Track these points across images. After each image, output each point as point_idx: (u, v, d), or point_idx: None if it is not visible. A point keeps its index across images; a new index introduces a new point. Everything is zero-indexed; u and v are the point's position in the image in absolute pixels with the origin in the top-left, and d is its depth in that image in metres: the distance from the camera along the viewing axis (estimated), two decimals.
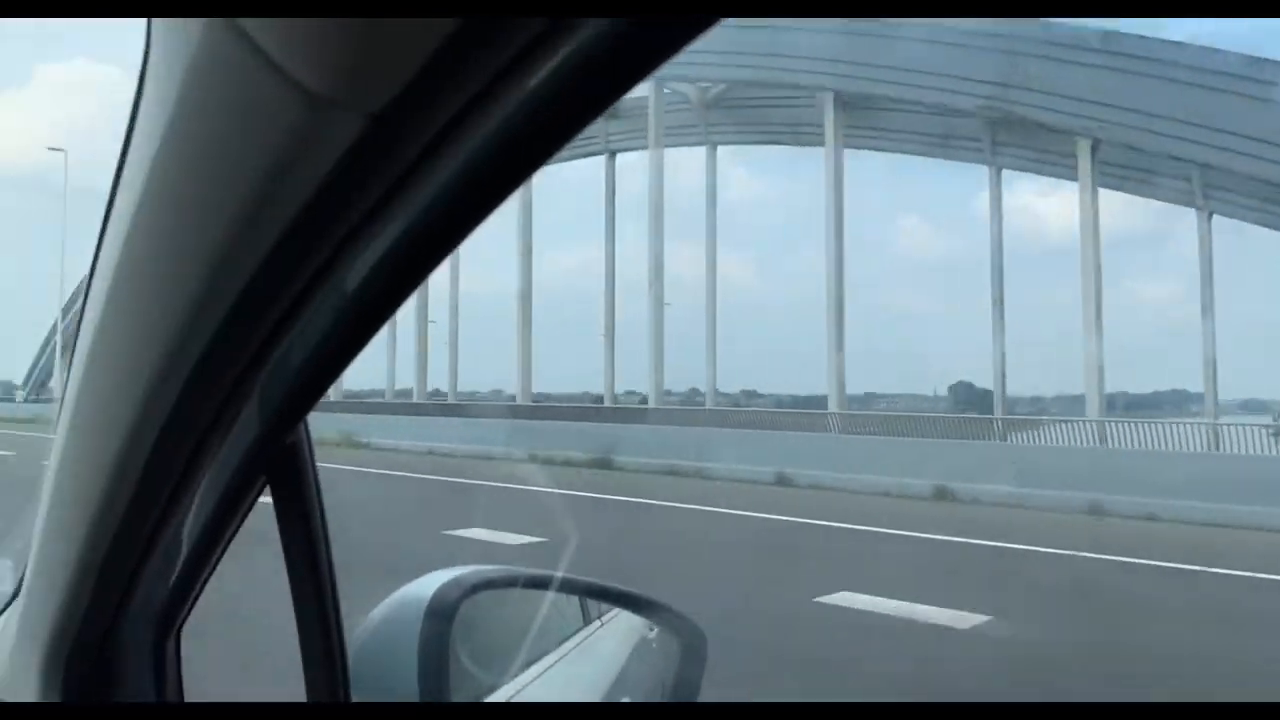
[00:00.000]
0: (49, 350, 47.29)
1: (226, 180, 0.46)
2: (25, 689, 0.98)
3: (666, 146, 30.65)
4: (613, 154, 33.39)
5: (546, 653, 1.26)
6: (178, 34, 0.43)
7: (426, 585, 0.98)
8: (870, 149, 29.01)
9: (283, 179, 0.44)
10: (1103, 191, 24.07)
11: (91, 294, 0.65)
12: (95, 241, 0.66)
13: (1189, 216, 25.57)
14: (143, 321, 0.59)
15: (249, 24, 0.38)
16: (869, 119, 27.57)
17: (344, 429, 20.96)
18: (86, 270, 0.67)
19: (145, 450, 0.68)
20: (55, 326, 45.62)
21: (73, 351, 0.75)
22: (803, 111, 28.65)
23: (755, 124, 31.16)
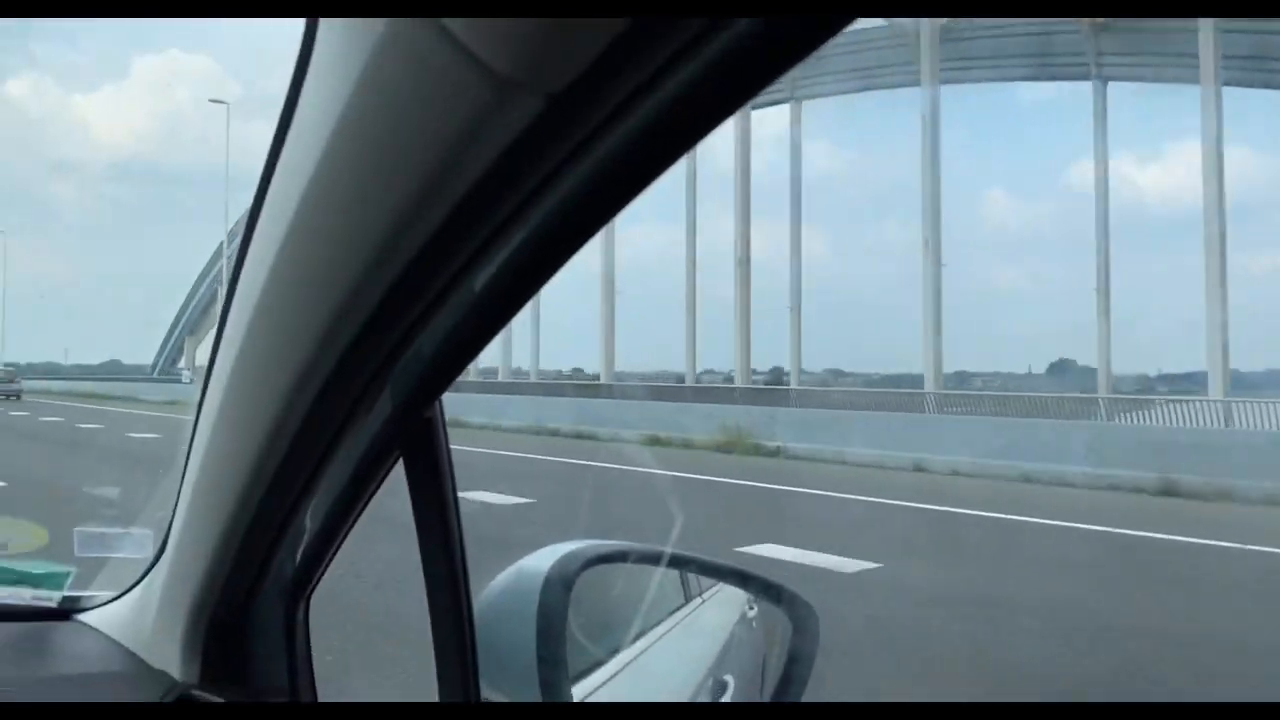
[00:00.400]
0: (178, 331, 48.96)
1: (401, 162, 0.48)
2: (169, 653, 1.04)
3: (870, 89, 26.95)
4: (798, 100, 28.90)
5: (650, 628, 1.29)
6: (356, 20, 0.45)
7: (544, 558, 1.01)
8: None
9: (458, 159, 0.47)
10: None
11: (244, 279, 0.69)
12: (245, 229, 0.70)
13: None
14: (300, 307, 0.63)
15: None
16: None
17: (723, 423, 15.20)
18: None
19: (293, 429, 0.72)
20: (183, 308, 47.12)
21: (219, 334, 0.79)
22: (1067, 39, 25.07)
23: (1002, 56, 26.47)
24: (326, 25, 0.49)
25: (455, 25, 0.40)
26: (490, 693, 0.92)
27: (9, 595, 1.16)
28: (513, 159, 0.46)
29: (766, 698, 1.25)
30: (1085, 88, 26.98)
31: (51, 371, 47.39)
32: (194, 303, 47.17)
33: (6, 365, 37.97)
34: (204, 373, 0.86)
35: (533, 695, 0.95)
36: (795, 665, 1.16)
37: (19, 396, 32.11)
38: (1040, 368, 29.23)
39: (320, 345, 0.63)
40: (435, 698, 0.88)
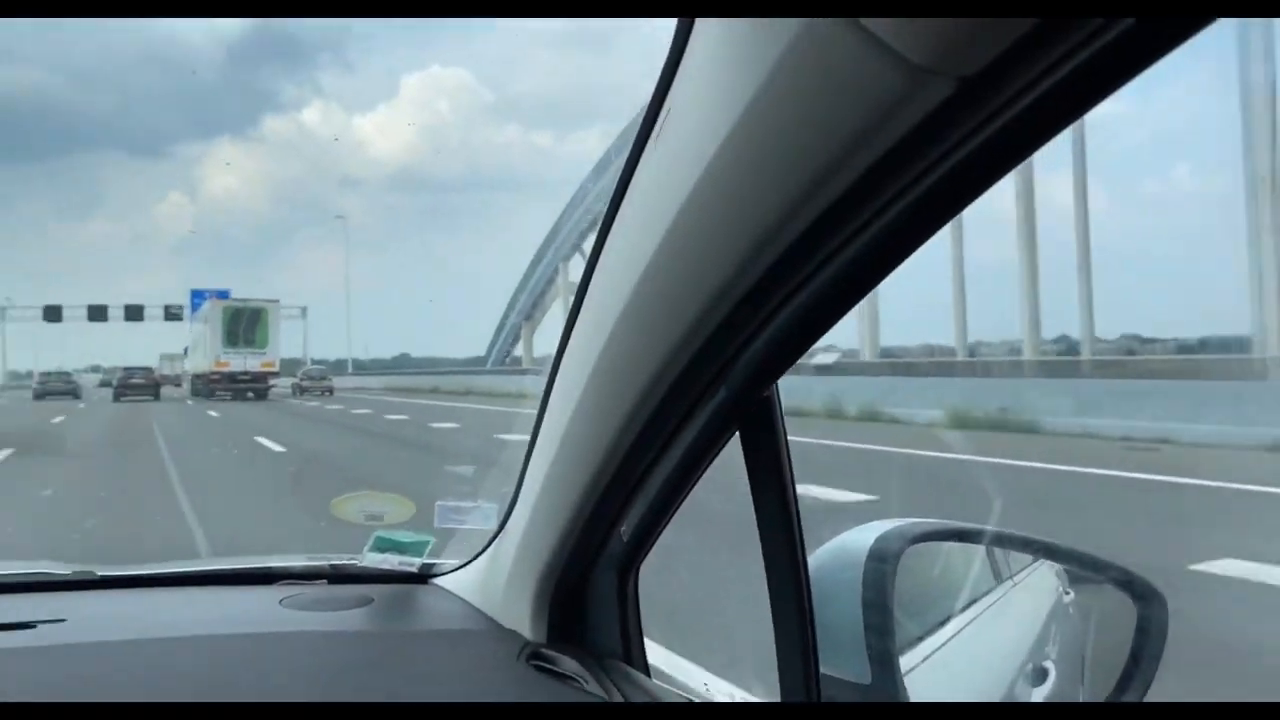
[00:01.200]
0: (512, 319, 52.05)
1: (796, 155, 0.51)
2: (519, 614, 1.15)
3: None
4: None
5: (964, 608, 1.26)
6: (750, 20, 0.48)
7: (866, 533, 1.02)
8: None
9: (857, 147, 0.49)
10: None
11: (603, 274, 0.75)
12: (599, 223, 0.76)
13: None
14: (668, 302, 0.67)
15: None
16: None
17: None
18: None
19: (646, 414, 0.78)
20: (514, 297, 49.58)
21: (569, 325, 0.87)
22: None
23: None
24: (707, 26, 0.53)
25: (869, 19, 0.42)
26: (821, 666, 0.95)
27: (381, 561, 1.33)
28: (909, 144, 0.47)
29: (1096, 690, 1.19)
30: None
31: (357, 367, 52.05)
32: (527, 290, 49.32)
33: (315, 362, 41.70)
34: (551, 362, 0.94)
35: (862, 666, 0.97)
36: (1140, 656, 1.10)
37: (330, 393, 35.18)
38: None
39: (682, 339, 0.68)
40: (773, 668, 0.92)
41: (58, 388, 35.50)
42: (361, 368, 51.84)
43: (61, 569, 1.41)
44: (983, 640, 1.26)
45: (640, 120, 0.65)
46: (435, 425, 16.70)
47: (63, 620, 1.20)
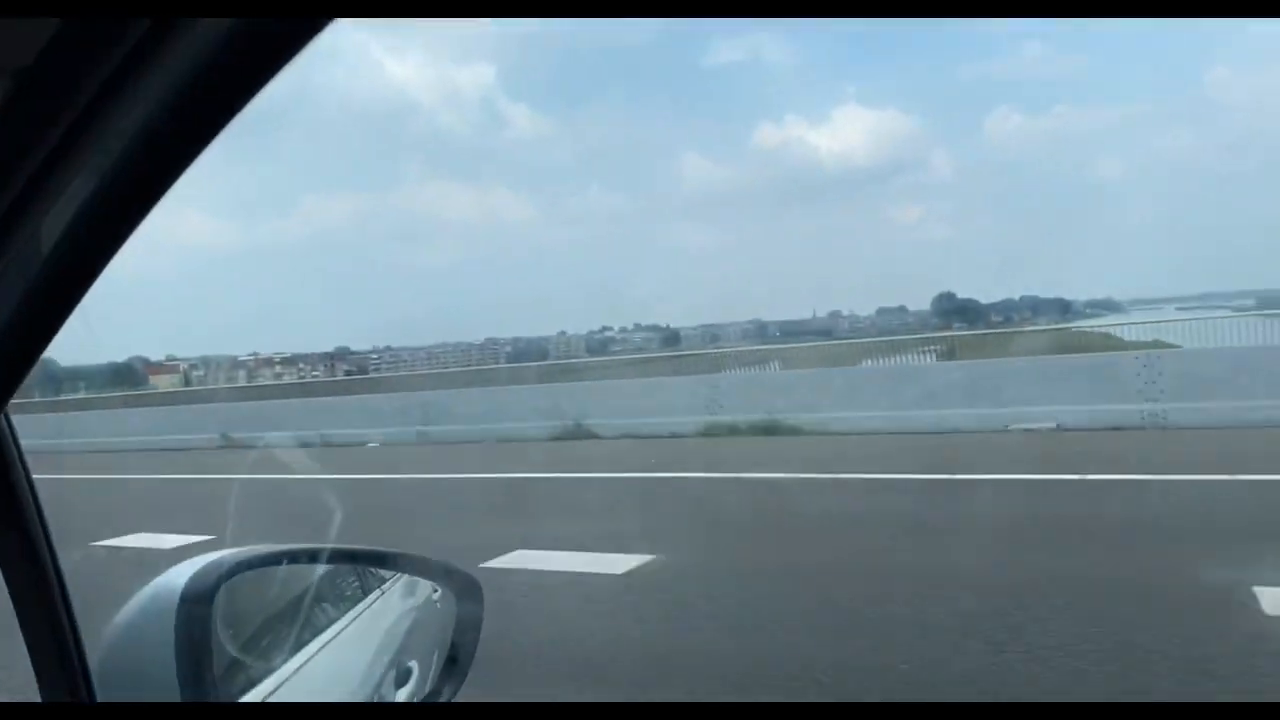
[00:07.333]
0: None
1: None
2: None
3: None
4: None
5: (325, 626, 1.25)
6: None
7: (182, 572, 0.94)
8: None
9: None
10: None
11: None
12: None
13: None
14: None
15: None
16: None
17: None
18: None
19: None
20: None
21: None
22: None
23: None
24: None
25: None
26: None
27: None
28: None
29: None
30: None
31: None
32: None
33: None
34: None
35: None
36: (461, 638, 1.18)
37: None
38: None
39: None
40: None
41: None
42: None
43: None
44: (345, 655, 1.26)
45: None
46: None
47: None
